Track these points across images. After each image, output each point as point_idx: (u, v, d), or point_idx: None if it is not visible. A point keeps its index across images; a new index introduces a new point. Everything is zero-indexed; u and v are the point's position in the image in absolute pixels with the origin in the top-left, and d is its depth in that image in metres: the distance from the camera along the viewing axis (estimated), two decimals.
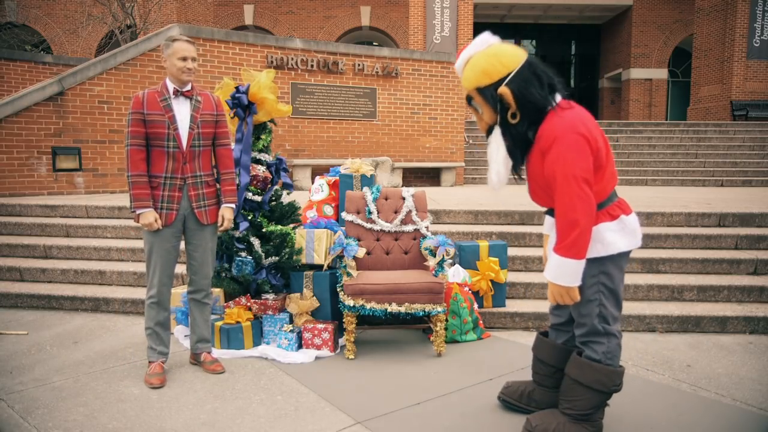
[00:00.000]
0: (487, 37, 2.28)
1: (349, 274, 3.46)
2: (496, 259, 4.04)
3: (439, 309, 3.37)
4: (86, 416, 2.64)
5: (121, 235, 5.35)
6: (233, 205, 3.22)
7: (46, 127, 7.02)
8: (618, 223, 2.24)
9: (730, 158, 11.43)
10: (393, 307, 3.33)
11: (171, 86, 3.02)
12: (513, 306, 4.11)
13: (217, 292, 3.75)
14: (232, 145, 3.53)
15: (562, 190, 2.11)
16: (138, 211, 2.96)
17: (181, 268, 4.25)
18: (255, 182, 3.72)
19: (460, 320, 3.69)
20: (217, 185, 3.22)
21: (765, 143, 12.11)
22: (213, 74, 8.06)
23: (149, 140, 2.97)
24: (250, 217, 3.68)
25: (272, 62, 8.57)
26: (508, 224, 5.30)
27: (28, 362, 3.33)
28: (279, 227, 3.72)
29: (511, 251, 4.63)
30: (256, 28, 19.14)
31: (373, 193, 3.97)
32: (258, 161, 3.77)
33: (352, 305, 3.33)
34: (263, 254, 3.68)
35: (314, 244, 3.80)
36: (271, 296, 3.73)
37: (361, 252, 3.72)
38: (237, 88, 3.68)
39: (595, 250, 2.22)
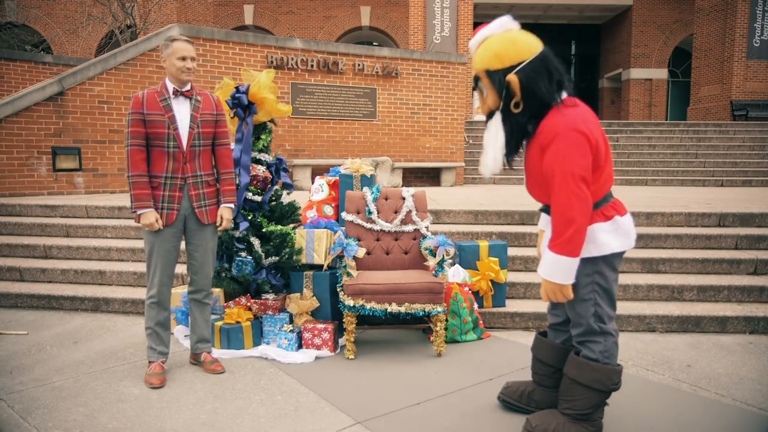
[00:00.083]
0: (507, 21, 2.25)
1: (349, 274, 3.46)
2: (496, 259, 4.04)
3: (439, 309, 3.37)
4: (86, 416, 2.64)
5: (121, 235, 5.35)
6: (232, 205, 3.22)
7: (46, 127, 7.02)
8: (612, 224, 2.24)
9: (730, 158, 11.43)
10: (393, 307, 3.33)
11: (170, 86, 3.02)
12: (513, 306, 4.11)
13: (217, 292, 3.75)
14: (232, 145, 3.53)
15: (560, 187, 2.11)
16: (139, 212, 2.96)
17: (181, 268, 4.25)
18: (255, 182, 3.72)
19: (460, 320, 3.69)
20: (218, 185, 3.22)
21: (765, 143, 12.11)
22: (213, 74, 8.06)
23: (149, 140, 2.97)
24: (250, 217, 3.68)
25: (272, 62, 8.57)
26: (508, 224, 5.30)
27: (28, 362, 3.33)
28: (279, 227, 3.72)
29: (511, 251, 4.63)
30: (256, 28, 19.15)
31: (373, 193, 3.97)
32: (258, 161, 3.77)
33: (352, 305, 3.33)
34: (263, 254, 3.68)
35: (314, 244, 3.80)
36: (271, 296, 3.73)
37: (361, 252, 3.72)
38: (237, 88, 3.68)
39: (587, 251, 2.21)
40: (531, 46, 2.19)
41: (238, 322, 3.52)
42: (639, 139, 12.39)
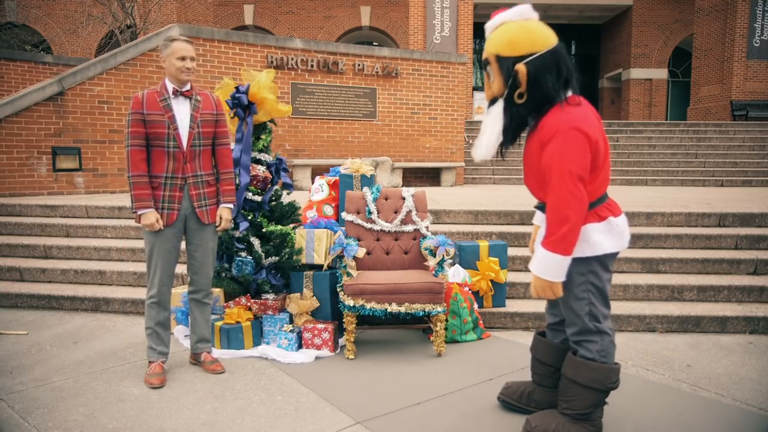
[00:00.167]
0: (527, 10, 2.24)
1: (349, 274, 3.46)
2: (496, 259, 4.04)
3: (439, 309, 3.37)
4: (86, 416, 2.64)
5: (121, 235, 5.35)
6: (231, 205, 3.22)
7: (46, 127, 7.02)
8: (605, 225, 2.24)
9: (730, 158, 11.43)
10: (393, 307, 3.33)
11: (170, 86, 3.02)
12: (513, 306, 4.11)
13: (217, 292, 3.75)
14: (232, 145, 3.53)
15: (557, 184, 2.11)
16: (139, 212, 2.96)
17: (181, 268, 4.25)
18: (255, 182, 3.72)
19: (460, 320, 3.69)
20: (218, 185, 3.22)
21: (765, 143, 12.11)
22: (213, 74, 8.06)
23: (149, 140, 2.97)
24: (250, 217, 3.68)
25: (272, 62, 8.57)
26: (508, 224, 5.30)
27: (28, 362, 3.33)
28: (279, 227, 3.72)
29: (511, 251, 4.63)
30: (256, 28, 19.15)
31: (373, 193, 3.97)
32: (258, 161, 3.77)
33: (352, 305, 3.33)
34: (263, 254, 3.68)
35: (314, 244, 3.80)
36: (271, 296, 3.73)
37: (361, 252, 3.72)
38: (237, 88, 3.68)
39: (580, 250, 2.21)
40: (546, 38, 2.18)
41: (238, 322, 3.52)
42: (639, 139, 12.39)
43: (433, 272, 3.55)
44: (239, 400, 2.83)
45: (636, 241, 4.86)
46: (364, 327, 3.66)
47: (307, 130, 9.04)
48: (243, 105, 3.66)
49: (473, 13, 14.94)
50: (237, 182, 3.57)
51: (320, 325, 3.49)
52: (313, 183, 4.62)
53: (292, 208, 3.99)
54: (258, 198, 3.70)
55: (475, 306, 3.84)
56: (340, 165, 4.62)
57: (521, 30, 2.18)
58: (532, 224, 5.17)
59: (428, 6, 14.45)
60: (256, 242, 3.66)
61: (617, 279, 4.35)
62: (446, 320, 3.67)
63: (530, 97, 2.19)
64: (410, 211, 3.91)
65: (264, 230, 3.71)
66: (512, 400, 2.67)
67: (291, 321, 3.67)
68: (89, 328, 3.98)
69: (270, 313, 3.63)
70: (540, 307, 4.03)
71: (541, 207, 2.42)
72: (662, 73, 19.61)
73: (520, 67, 2.15)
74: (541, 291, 2.23)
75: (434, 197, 6.79)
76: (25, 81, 9.72)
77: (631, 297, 4.28)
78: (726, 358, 3.45)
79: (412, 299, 3.34)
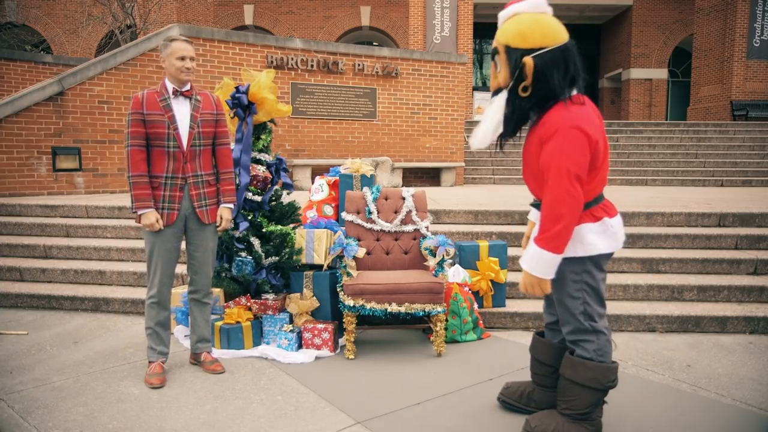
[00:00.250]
0: (541, 2, 2.22)
1: (349, 274, 3.46)
2: (496, 259, 4.04)
3: (439, 309, 3.37)
4: (86, 416, 2.64)
5: (121, 235, 5.35)
6: (231, 205, 3.22)
7: (46, 127, 7.02)
8: (600, 225, 2.23)
9: (730, 158, 11.43)
10: (393, 307, 3.33)
11: (170, 86, 3.02)
12: (513, 306, 4.11)
13: (217, 292, 3.75)
14: (232, 145, 3.53)
15: (554, 182, 2.11)
16: (139, 212, 2.96)
17: (181, 268, 4.25)
18: (255, 182, 3.72)
19: (460, 320, 3.69)
20: (218, 185, 3.22)
21: (765, 143, 12.11)
22: (213, 74, 8.06)
23: (149, 140, 2.97)
24: (250, 217, 3.68)
25: (272, 62, 8.57)
26: (508, 224, 5.30)
27: (28, 362, 3.33)
28: (279, 227, 3.72)
29: (511, 251, 4.62)
30: (256, 28, 19.15)
31: (373, 193, 3.97)
32: (258, 161, 3.77)
33: (352, 305, 3.33)
34: (263, 254, 3.68)
35: (314, 244, 3.80)
36: (271, 296, 3.73)
37: (361, 252, 3.72)
38: (237, 88, 3.68)
39: (574, 250, 2.22)
40: (557, 34, 2.17)
41: (238, 322, 3.52)
42: (639, 139, 12.39)
43: (433, 272, 3.55)
44: (239, 400, 2.83)
45: (636, 241, 4.86)
46: (364, 327, 3.66)
47: (307, 130, 9.04)
48: (243, 105, 3.66)
49: (473, 13, 14.94)
50: (237, 182, 3.57)
51: (320, 325, 3.49)
52: (313, 183, 4.62)
53: (292, 208, 3.99)
54: (258, 198, 3.70)
55: (475, 306, 3.84)
56: (340, 165, 4.62)
57: (534, 23, 2.16)
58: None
59: (428, 6, 14.45)
60: (256, 242, 3.66)
61: (617, 279, 4.36)
62: (446, 320, 3.67)
63: (535, 91, 2.18)
64: (410, 211, 3.91)
65: (264, 230, 3.71)
66: (512, 400, 2.67)
67: (291, 321, 3.67)
68: (89, 328, 3.98)
69: (270, 313, 3.63)
70: (540, 307, 4.04)
71: (537, 205, 2.42)
72: (662, 73, 19.61)
73: (528, 60, 2.14)
74: (529, 287, 2.24)
75: (434, 197, 6.79)
76: (25, 81, 9.72)
77: (631, 297, 4.28)
78: (726, 358, 3.45)
79: (412, 299, 3.34)
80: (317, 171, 8.56)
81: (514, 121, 2.25)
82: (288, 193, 4.07)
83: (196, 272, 3.19)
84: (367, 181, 4.35)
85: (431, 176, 9.99)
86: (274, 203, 3.88)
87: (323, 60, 8.91)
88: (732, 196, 7.43)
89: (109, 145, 7.47)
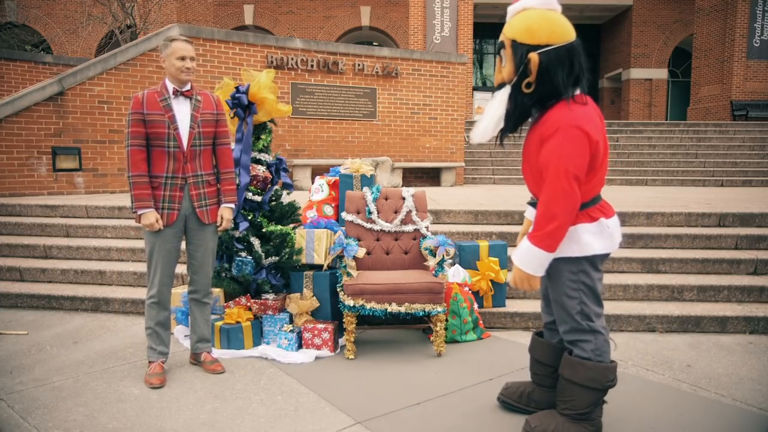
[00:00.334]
0: (552, 0, 2.22)
1: (349, 274, 3.46)
2: (496, 259, 4.04)
3: (439, 309, 3.37)
4: (86, 416, 2.64)
5: (121, 235, 5.35)
6: (232, 205, 3.22)
7: (46, 127, 7.02)
8: (596, 226, 2.23)
9: (730, 158, 11.43)
10: (393, 307, 3.33)
11: (170, 86, 3.03)
12: (513, 306, 4.11)
13: (217, 292, 3.75)
14: (232, 145, 3.53)
15: (552, 181, 2.11)
16: (139, 212, 2.96)
17: (181, 268, 4.25)
18: (255, 182, 3.72)
19: (460, 320, 3.69)
20: (218, 185, 3.22)
21: (765, 143, 12.11)
22: (213, 74, 8.07)
23: (149, 140, 2.97)
24: (250, 217, 3.68)
25: (272, 62, 8.57)
26: (508, 224, 5.30)
27: (28, 362, 3.33)
28: (279, 227, 3.72)
29: (511, 251, 4.60)
30: (256, 28, 19.15)
31: (373, 193, 3.97)
32: (258, 161, 3.77)
33: (352, 305, 3.33)
34: (263, 254, 3.68)
35: (314, 244, 3.80)
36: (271, 296, 3.73)
37: (361, 252, 3.72)
38: (237, 88, 3.68)
39: (570, 250, 2.22)
40: (565, 32, 2.16)
41: (238, 322, 3.52)
42: (639, 139, 12.39)
43: (433, 272, 3.55)
44: (239, 400, 2.83)
45: (636, 241, 4.86)
46: (364, 327, 3.66)
47: (307, 130, 9.04)
48: (243, 105, 3.66)
49: (473, 13, 14.95)
50: (237, 182, 3.57)
51: (320, 325, 3.49)
52: (313, 183, 4.62)
53: (292, 208, 3.99)
54: (258, 198, 3.70)
55: (475, 306, 3.84)
56: (340, 165, 4.62)
57: (542, 19, 2.16)
58: None
59: (428, 6, 14.45)
60: (256, 242, 3.66)
61: (617, 279, 4.36)
62: (446, 320, 3.67)
63: (538, 87, 2.17)
64: (410, 211, 3.91)
65: (264, 230, 3.71)
66: (512, 401, 2.67)
67: (291, 321, 3.67)
68: (89, 328, 3.98)
69: (270, 313, 3.63)
70: (540, 307, 4.03)
71: (534, 203, 2.42)
72: (662, 73, 19.62)
73: (533, 56, 2.13)
74: (519, 282, 2.25)
75: (434, 197, 6.79)
76: (25, 81, 9.72)
77: (631, 297, 4.28)
78: (726, 358, 3.45)
79: (412, 299, 3.34)
80: (317, 171, 8.56)
81: (515, 117, 2.25)
82: (288, 193, 4.07)
83: (196, 272, 3.19)
84: (367, 181, 4.35)
85: (431, 176, 9.99)
86: (274, 203, 3.88)
87: (323, 60, 8.91)
88: (732, 196, 7.43)
89: (109, 145, 7.48)
